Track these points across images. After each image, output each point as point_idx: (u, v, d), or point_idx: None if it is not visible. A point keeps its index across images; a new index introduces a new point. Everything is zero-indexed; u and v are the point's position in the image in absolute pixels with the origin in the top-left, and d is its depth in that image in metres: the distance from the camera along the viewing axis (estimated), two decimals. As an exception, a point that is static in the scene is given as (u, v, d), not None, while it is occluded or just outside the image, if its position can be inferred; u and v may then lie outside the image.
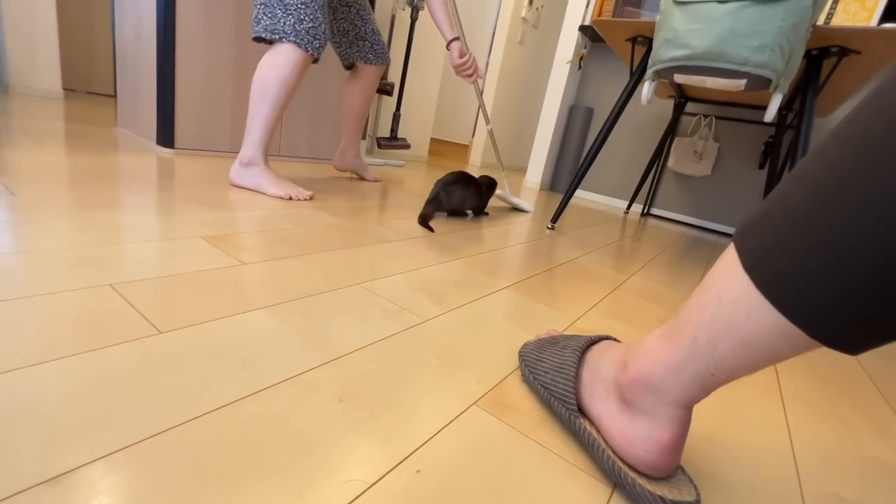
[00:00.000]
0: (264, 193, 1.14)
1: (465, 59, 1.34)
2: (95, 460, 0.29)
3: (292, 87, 1.12)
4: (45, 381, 0.35)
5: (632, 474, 0.35)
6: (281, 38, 1.06)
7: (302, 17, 1.05)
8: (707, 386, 0.32)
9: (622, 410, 0.37)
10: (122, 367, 0.39)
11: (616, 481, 0.36)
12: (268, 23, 1.06)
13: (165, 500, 0.27)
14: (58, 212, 0.74)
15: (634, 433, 0.35)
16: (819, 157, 0.26)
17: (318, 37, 1.10)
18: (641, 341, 0.38)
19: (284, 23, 1.05)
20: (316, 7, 1.08)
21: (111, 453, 0.30)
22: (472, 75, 1.38)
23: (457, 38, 1.33)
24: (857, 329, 0.25)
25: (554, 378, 0.44)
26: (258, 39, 1.12)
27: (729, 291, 0.30)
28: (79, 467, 0.28)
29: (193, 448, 0.31)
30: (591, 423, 0.40)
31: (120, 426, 0.32)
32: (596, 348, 0.43)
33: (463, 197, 1.28)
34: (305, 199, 1.16)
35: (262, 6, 1.07)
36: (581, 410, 0.41)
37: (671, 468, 0.35)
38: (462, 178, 1.27)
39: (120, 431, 0.32)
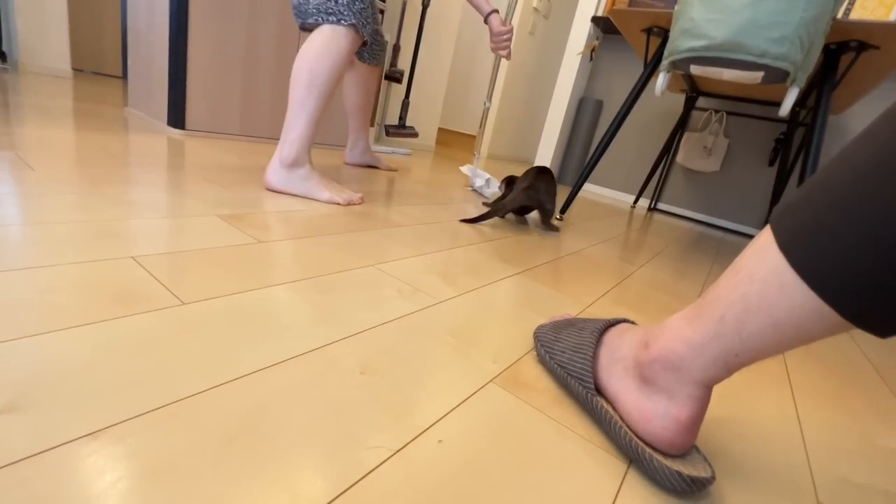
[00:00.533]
0: (316, 200, 1.01)
1: (508, 27, 1.25)
2: (131, 418, 0.30)
3: (342, 74, 1.00)
4: (78, 344, 0.36)
5: (648, 450, 0.36)
6: (339, 20, 0.94)
7: None
8: (730, 366, 0.33)
9: (640, 388, 0.37)
10: (150, 333, 0.39)
11: (632, 457, 0.37)
12: (318, 2, 0.94)
13: (197, 458, 0.28)
14: (75, 186, 0.74)
15: (652, 410, 0.36)
16: (866, 139, 0.26)
17: (369, 19, 1.00)
18: (665, 322, 0.38)
19: (338, 1, 0.94)
20: None
21: (145, 413, 0.30)
22: (507, 47, 1.28)
23: (495, 11, 1.25)
24: (890, 310, 0.25)
25: (571, 357, 0.44)
26: (308, 27, 0.98)
27: (761, 271, 0.30)
28: (116, 424, 0.29)
29: (222, 411, 0.32)
30: (608, 401, 0.41)
31: (151, 389, 0.33)
32: (614, 330, 0.44)
33: (551, 191, 1.19)
34: (358, 203, 1.05)
35: None
36: (598, 390, 0.42)
37: (687, 446, 0.36)
38: (548, 170, 1.19)
39: (151, 393, 0.32)
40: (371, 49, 1.40)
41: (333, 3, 0.94)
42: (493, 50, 1.30)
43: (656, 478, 0.35)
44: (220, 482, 0.27)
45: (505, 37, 1.26)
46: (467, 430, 0.37)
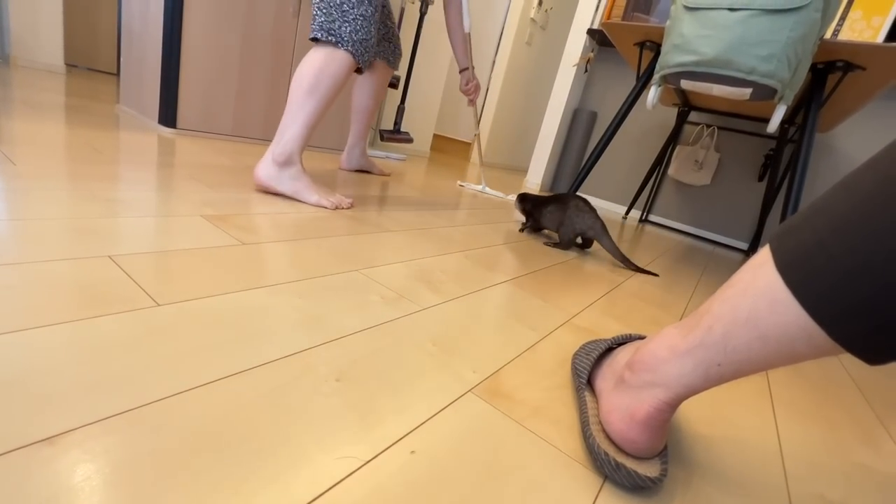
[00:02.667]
0: (304, 202, 1.01)
1: (471, 85, 1.57)
2: (91, 423, 0.29)
3: (341, 88, 1.04)
4: (44, 344, 0.35)
5: (598, 437, 0.37)
6: (338, 44, 1.00)
7: (358, 27, 1.01)
8: (710, 376, 0.33)
9: (617, 386, 0.39)
10: (120, 336, 0.38)
11: (586, 445, 0.38)
12: (323, 20, 0.99)
13: (158, 467, 0.27)
14: (57, 182, 0.73)
15: (616, 404, 0.37)
16: (872, 168, 0.27)
17: (368, 50, 1.06)
18: (660, 330, 0.39)
19: (341, 27, 1.00)
20: (371, 22, 1.04)
21: (106, 418, 0.30)
22: (471, 99, 1.61)
23: (467, 68, 1.51)
24: (882, 338, 0.25)
25: (582, 359, 0.48)
26: (315, 40, 1.03)
27: (754, 286, 0.30)
28: (75, 429, 0.28)
29: (188, 418, 0.31)
30: (595, 398, 0.43)
31: (116, 392, 0.32)
32: (629, 344, 0.46)
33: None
34: (347, 208, 1.06)
35: (319, 8, 1.01)
36: (591, 387, 0.45)
37: (644, 446, 0.36)
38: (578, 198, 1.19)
39: (115, 397, 0.31)
40: (394, 52, 1.47)
41: (336, 26, 0.99)
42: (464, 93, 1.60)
43: (597, 464, 0.37)
44: (180, 492, 0.26)
45: (470, 94, 1.59)
46: (441, 442, 0.36)
